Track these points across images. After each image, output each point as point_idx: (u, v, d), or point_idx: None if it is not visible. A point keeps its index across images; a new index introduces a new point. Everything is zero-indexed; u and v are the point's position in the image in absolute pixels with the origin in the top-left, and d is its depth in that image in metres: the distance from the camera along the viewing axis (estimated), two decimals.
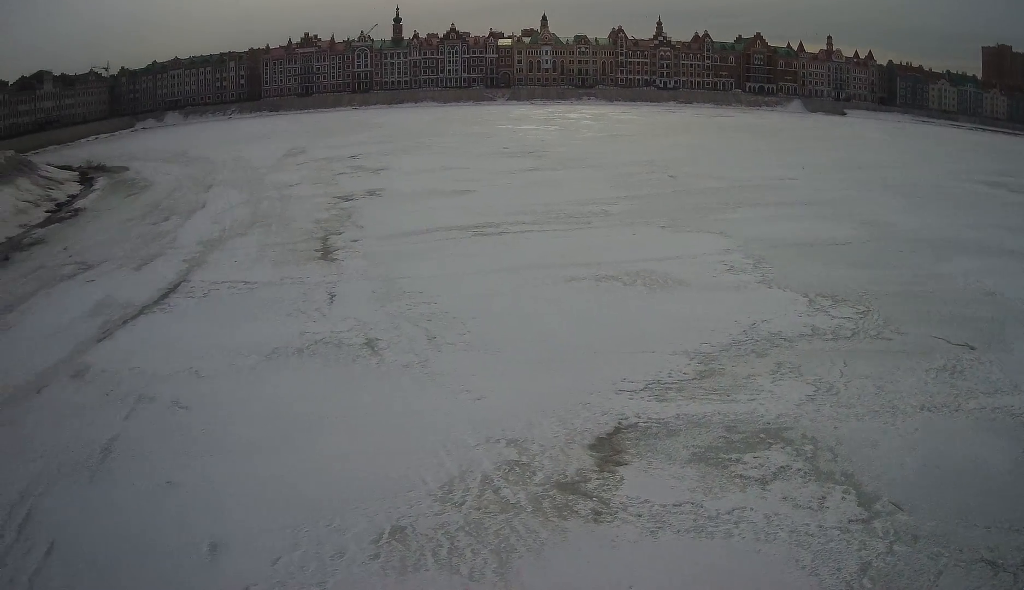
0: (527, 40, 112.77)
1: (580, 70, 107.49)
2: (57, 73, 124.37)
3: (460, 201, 41.91)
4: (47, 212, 58.61)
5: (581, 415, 14.87)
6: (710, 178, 43.00)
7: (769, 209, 33.04)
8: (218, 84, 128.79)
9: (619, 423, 14.19)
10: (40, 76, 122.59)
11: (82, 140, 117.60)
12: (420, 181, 49.56)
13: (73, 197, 64.80)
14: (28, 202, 61.74)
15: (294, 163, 64.00)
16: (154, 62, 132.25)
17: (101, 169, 78.58)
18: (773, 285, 21.49)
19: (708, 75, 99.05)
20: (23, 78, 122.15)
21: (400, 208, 41.35)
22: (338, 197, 45.84)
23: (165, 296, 29.15)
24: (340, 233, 36.55)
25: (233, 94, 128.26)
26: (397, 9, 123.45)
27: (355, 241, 34.52)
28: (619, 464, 12.32)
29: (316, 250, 33.96)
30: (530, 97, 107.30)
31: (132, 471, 14.92)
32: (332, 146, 72.94)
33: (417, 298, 25.34)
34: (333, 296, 26.42)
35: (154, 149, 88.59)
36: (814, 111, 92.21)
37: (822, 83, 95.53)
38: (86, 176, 76.33)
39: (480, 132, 77.83)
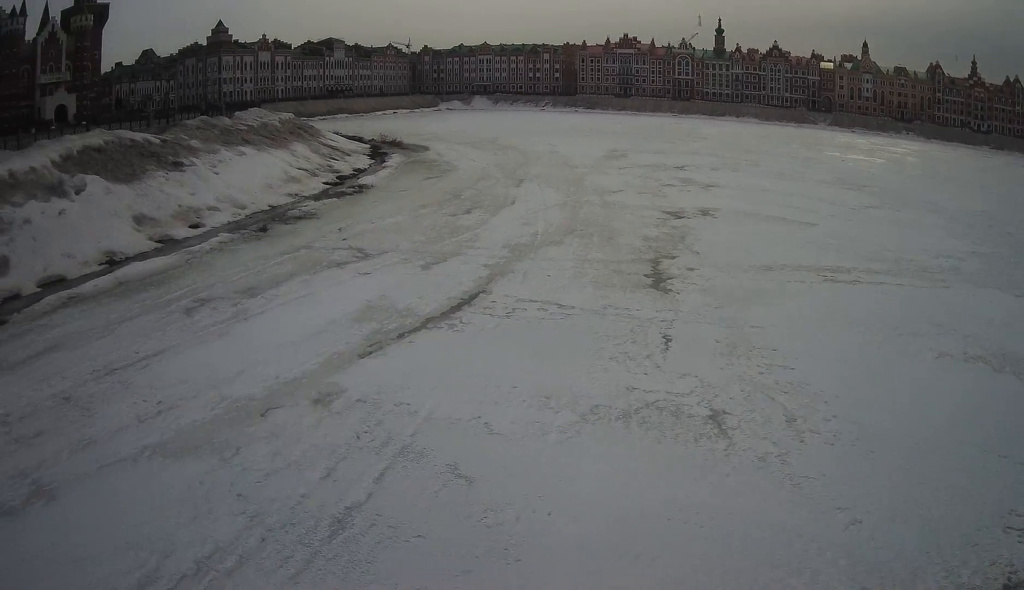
0: (848, 65, 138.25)
1: (899, 103, 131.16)
2: (350, 43, 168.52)
3: (802, 234, 47.82)
4: (325, 184, 73.95)
5: (970, 563, 15.49)
6: None
7: None
8: (532, 74, 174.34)
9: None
10: (330, 43, 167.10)
11: (377, 113, 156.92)
12: (754, 203, 56.81)
13: (359, 171, 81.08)
14: (303, 171, 77.63)
15: (616, 167, 75.19)
16: (461, 45, 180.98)
17: (397, 145, 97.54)
18: None
19: (1020, 122, 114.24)
20: (309, 43, 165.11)
21: (737, 234, 46.45)
22: (668, 213, 52.08)
23: (457, 308, 33.25)
24: (673, 257, 40.44)
25: (547, 86, 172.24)
26: (719, 20, 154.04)
27: (691, 269, 38.01)
28: None
29: (646, 275, 37.33)
30: (851, 125, 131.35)
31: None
32: (655, 152, 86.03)
33: (770, 357, 27.37)
34: (668, 340, 28.34)
35: (460, 132, 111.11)
36: None
37: None
38: (378, 151, 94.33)
39: (808, 156, 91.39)
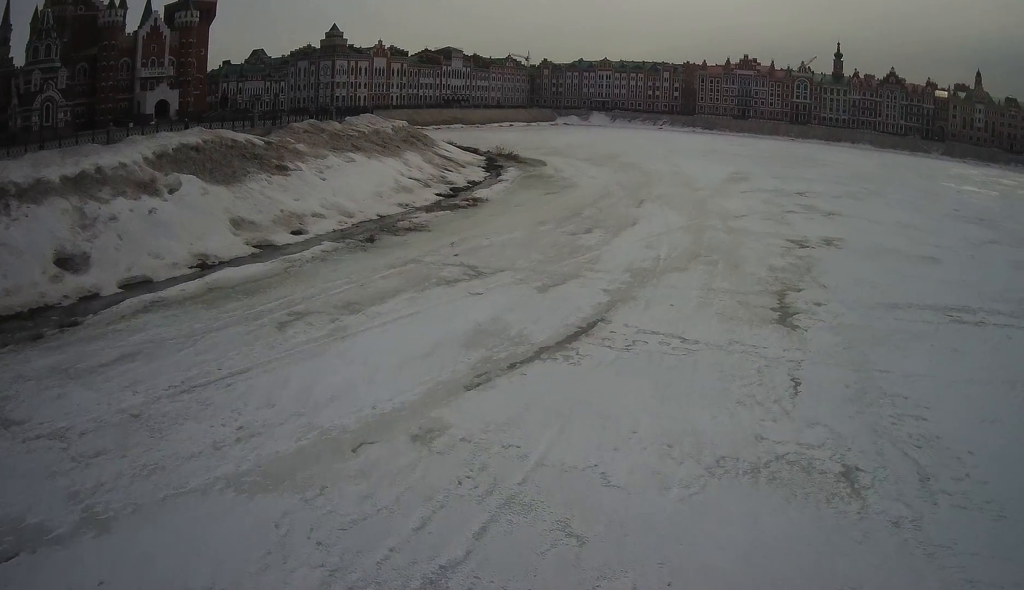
0: (961, 95, 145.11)
1: (1009, 134, 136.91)
2: (468, 53, 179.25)
3: (925, 270, 49.21)
4: (438, 195, 75.07)
5: None
6: None
7: None
8: (651, 92, 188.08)
9: None
10: (448, 52, 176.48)
11: (494, 124, 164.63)
12: (876, 235, 59.12)
13: (474, 184, 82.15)
14: (416, 180, 79.07)
15: (738, 191, 78.62)
16: (580, 60, 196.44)
17: (514, 158, 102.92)
18: None
19: None
20: (426, 51, 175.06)
21: (863, 268, 48.20)
22: (792, 241, 54.36)
23: (574, 337, 33.35)
24: (799, 290, 41.90)
25: (665, 105, 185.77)
26: (838, 45, 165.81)
27: (818, 305, 39.39)
28: None
29: (772, 309, 38.45)
30: (963, 155, 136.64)
31: None
32: (776, 177, 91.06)
33: (902, 406, 27.66)
34: (797, 383, 28.73)
35: (578, 147, 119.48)
36: None
37: None
38: (494, 163, 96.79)
39: (925, 187, 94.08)
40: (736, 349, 32.45)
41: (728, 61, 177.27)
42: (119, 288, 41.13)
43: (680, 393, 27.80)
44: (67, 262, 42.05)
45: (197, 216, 51.03)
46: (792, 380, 29.50)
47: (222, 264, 46.15)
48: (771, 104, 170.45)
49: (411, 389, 28.17)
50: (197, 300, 38.91)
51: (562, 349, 32.15)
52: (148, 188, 51.64)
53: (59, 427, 25.07)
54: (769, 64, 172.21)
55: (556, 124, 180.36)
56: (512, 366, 30.41)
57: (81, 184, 48.42)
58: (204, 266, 45.82)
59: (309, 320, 35.82)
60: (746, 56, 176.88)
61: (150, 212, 48.99)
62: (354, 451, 23.81)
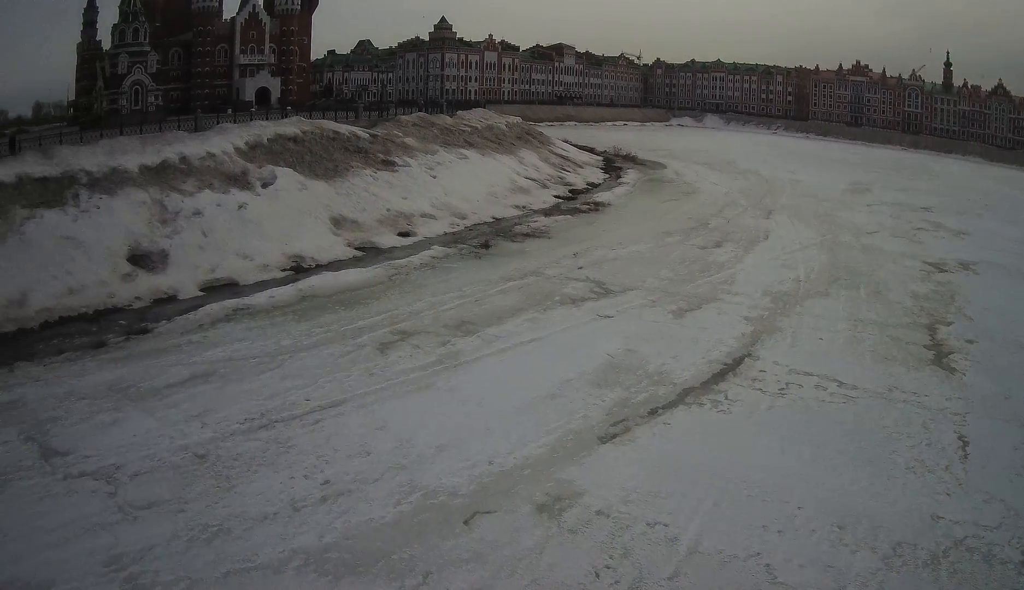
0: None
1: None
2: (580, 50, 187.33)
3: None
4: (556, 197, 72.29)
5: None
6: None
7: None
8: (764, 96, 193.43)
9: None
10: (560, 48, 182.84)
11: (607, 123, 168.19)
12: (1009, 257, 57.19)
13: (593, 186, 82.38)
14: (532, 181, 76.76)
15: (862, 203, 78.72)
16: (693, 60, 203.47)
17: (631, 160, 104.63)
18: None
19: None
20: (538, 47, 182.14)
21: (1005, 297, 45.86)
22: (929, 264, 52.35)
23: (720, 377, 30.94)
24: (948, 323, 39.97)
25: (779, 109, 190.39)
26: (948, 53, 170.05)
27: (970, 342, 37.15)
28: None
29: (926, 346, 36.19)
30: None
31: None
32: (898, 189, 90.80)
33: None
34: (965, 443, 26.71)
35: (695, 150, 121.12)
36: None
37: None
38: (612, 164, 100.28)
39: None
40: (897, 398, 29.73)
41: (840, 66, 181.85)
42: (200, 291, 38.76)
43: (845, 456, 25.11)
44: (142, 260, 39.70)
45: (293, 213, 48.58)
46: (960, 439, 27.08)
47: (319, 267, 43.58)
48: (883, 112, 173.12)
49: (535, 440, 24.50)
50: (287, 310, 36.08)
51: (709, 391, 29.04)
52: (239, 181, 49.41)
53: (108, 464, 21.97)
54: (881, 71, 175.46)
55: (670, 125, 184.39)
56: (653, 412, 27.00)
57: (163, 175, 46.35)
58: (298, 269, 43.26)
59: (416, 342, 32.39)
60: (858, 62, 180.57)
61: (240, 207, 46.58)
62: (466, 524, 20.01)
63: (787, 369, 31.35)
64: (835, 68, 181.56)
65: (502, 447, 23.91)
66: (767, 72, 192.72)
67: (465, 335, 33.43)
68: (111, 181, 43.32)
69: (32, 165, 42.49)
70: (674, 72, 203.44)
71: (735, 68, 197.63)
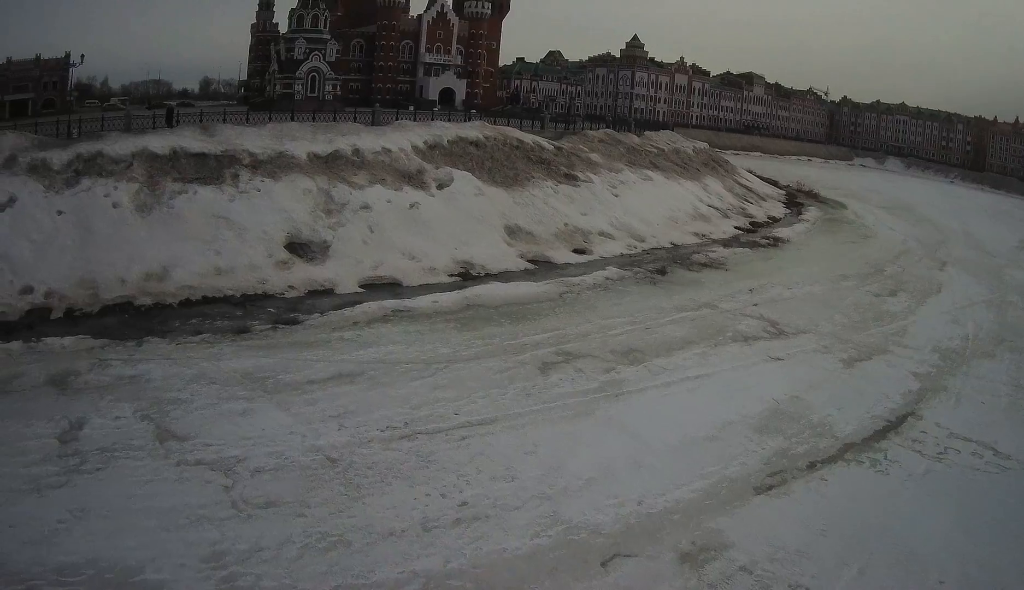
0: None
1: None
2: (770, 81, 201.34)
3: None
4: (737, 228, 72.26)
5: None
6: None
7: None
8: (943, 143, 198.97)
9: None
10: (750, 77, 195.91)
11: (791, 157, 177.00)
12: None
13: (773, 220, 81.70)
14: (714, 209, 75.42)
15: None
16: (878, 101, 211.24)
17: (813, 197, 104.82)
18: None
19: None
20: (728, 74, 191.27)
21: None
22: None
23: (882, 434, 29.44)
24: None
25: (957, 157, 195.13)
26: None
27: None
28: None
29: None
30: None
31: None
32: None
33: None
34: None
35: (875, 192, 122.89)
36: None
37: None
38: (794, 200, 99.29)
39: None
40: None
41: (1017, 119, 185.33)
42: (359, 287, 37.85)
43: (991, 529, 23.54)
44: (301, 248, 39.15)
45: (466, 218, 47.48)
46: None
47: (488, 277, 42.28)
48: None
49: (688, 483, 22.73)
50: (450, 317, 34.77)
51: (869, 449, 27.66)
52: (413, 180, 48.63)
53: (229, 455, 20.85)
54: None
55: (853, 164, 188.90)
56: (812, 466, 25.41)
57: (333, 165, 45.92)
58: (467, 276, 41.99)
59: (579, 365, 30.44)
60: None
61: (411, 206, 45.78)
62: (603, 566, 18.44)
63: (948, 433, 29.97)
64: (1012, 121, 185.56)
65: (653, 487, 22.10)
66: (948, 119, 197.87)
67: (631, 364, 31.49)
68: (276, 165, 43.13)
69: (190, 140, 42.70)
70: (859, 111, 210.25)
71: (918, 113, 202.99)
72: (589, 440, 24.32)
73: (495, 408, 25.49)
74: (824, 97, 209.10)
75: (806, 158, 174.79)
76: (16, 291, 31.77)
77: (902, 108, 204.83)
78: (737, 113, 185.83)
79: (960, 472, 26.98)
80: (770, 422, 27.91)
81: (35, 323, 29.92)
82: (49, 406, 22.97)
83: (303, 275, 37.11)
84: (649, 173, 71.60)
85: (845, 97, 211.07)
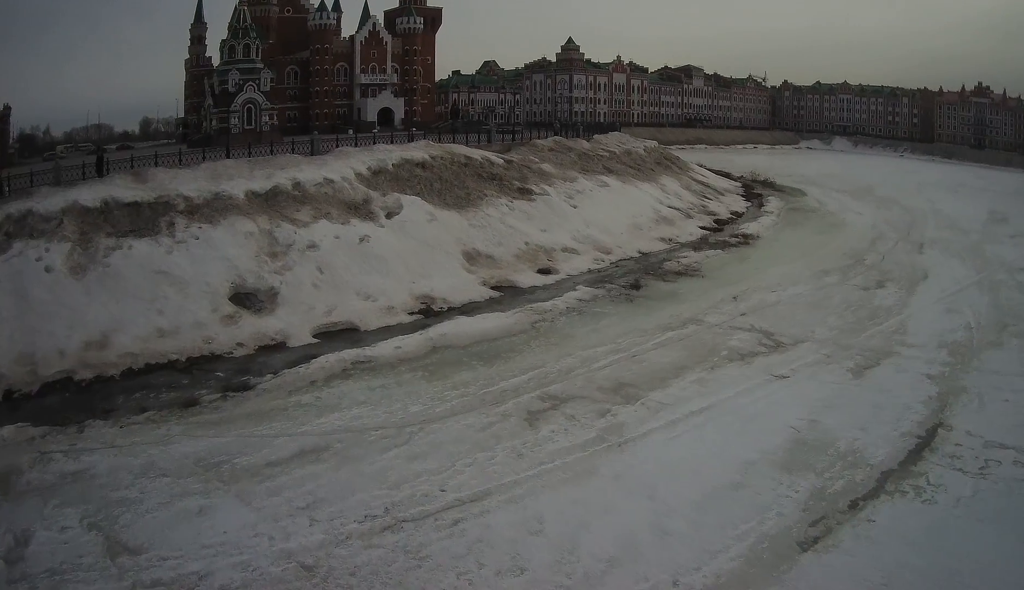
0: None
1: None
2: (708, 72, 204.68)
3: None
4: (702, 228, 70.05)
5: None
6: None
7: None
8: (889, 118, 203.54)
9: None
10: (688, 70, 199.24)
11: (737, 146, 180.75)
12: None
13: (737, 216, 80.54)
14: (676, 210, 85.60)
15: (1004, 234, 75.72)
16: (818, 82, 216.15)
17: (770, 186, 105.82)
18: None
19: None
20: (667, 68, 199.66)
21: None
22: None
23: (916, 455, 27.47)
24: None
25: (904, 131, 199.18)
26: None
27: None
28: None
29: None
30: None
31: None
32: None
33: None
34: None
35: (829, 176, 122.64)
36: None
37: None
38: (752, 191, 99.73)
39: None
40: None
41: (963, 88, 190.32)
42: (313, 337, 34.99)
43: None
44: (247, 299, 36.24)
45: (422, 247, 44.81)
46: None
47: (451, 310, 39.66)
48: (1005, 134, 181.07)
49: (724, 548, 19.90)
50: (416, 364, 31.96)
51: (908, 475, 25.45)
52: (360, 210, 45.81)
53: (189, 572, 17.97)
54: (1002, 93, 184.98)
55: (800, 148, 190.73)
56: (854, 506, 22.86)
57: (273, 202, 43.10)
58: (428, 312, 39.24)
59: (570, 410, 27.65)
60: (979, 83, 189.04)
61: (361, 240, 42.82)
62: None
63: (982, 441, 28.18)
64: (958, 89, 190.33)
65: (686, 559, 19.28)
66: (892, 94, 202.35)
67: (626, 402, 28.73)
68: (213, 208, 40.37)
69: (121, 189, 39.81)
70: (801, 94, 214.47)
71: (861, 90, 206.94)
72: (600, 507, 21.47)
73: (485, 477, 22.58)
74: (763, 83, 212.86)
75: (752, 146, 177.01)
76: None
77: (844, 87, 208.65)
78: (678, 107, 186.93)
79: (1007, 487, 25.13)
80: (795, 456, 25.54)
81: None
82: None
83: (251, 329, 34.28)
84: (604, 179, 69.60)
85: (785, 81, 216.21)
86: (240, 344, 33.13)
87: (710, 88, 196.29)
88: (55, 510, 20.56)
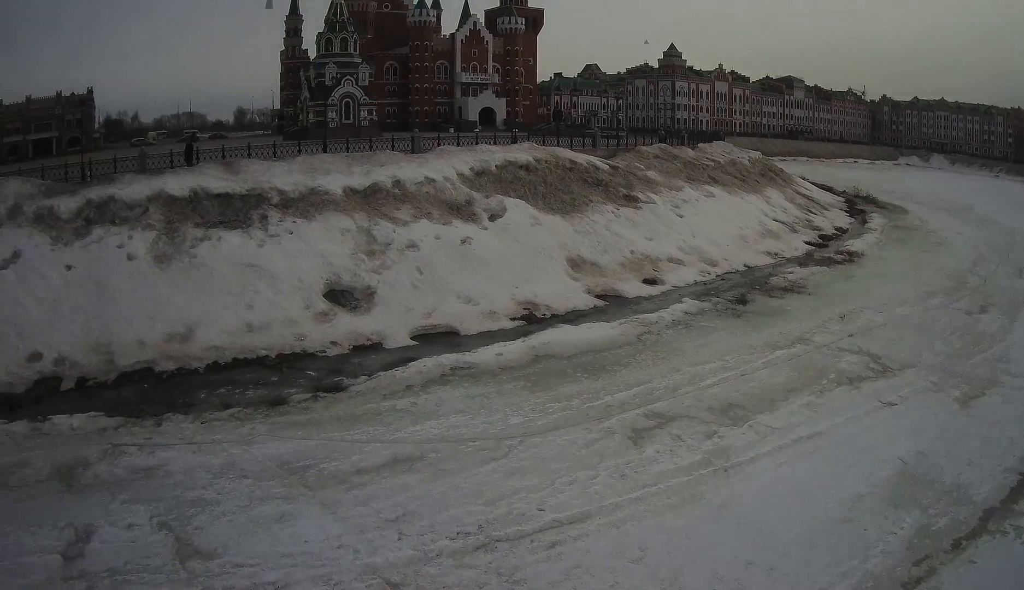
0: None
1: None
2: (809, 84, 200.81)
3: None
4: (807, 243, 67.99)
5: None
6: None
7: None
8: (985, 137, 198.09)
9: None
10: (790, 81, 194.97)
11: (837, 160, 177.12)
12: None
13: (841, 232, 77.63)
14: (781, 224, 72.05)
15: None
16: (916, 98, 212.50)
17: (872, 202, 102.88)
18: None
19: None
20: (768, 78, 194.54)
21: None
22: None
23: (1018, 494, 25.74)
24: None
25: (999, 150, 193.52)
26: None
27: None
28: None
29: None
30: None
31: None
32: None
33: None
34: None
35: (929, 194, 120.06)
36: None
37: None
38: (854, 206, 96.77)
39: None
40: None
41: None
42: (411, 339, 34.14)
43: None
44: (342, 297, 35.63)
45: (525, 251, 43.77)
46: None
47: (555, 318, 38.45)
48: None
49: (829, 586, 18.56)
50: (518, 373, 30.82)
51: (1010, 513, 23.68)
52: (463, 212, 44.97)
53: (265, 582, 17.04)
54: None
55: (899, 164, 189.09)
56: (957, 546, 21.31)
57: (372, 199, 42.48)
58: (530, 319, 38.13)
59: (676, 430, 26.17)
60: None
61: (463, 241, 42.00)
62: None
63: None
64: None
65: None
66: (987, 112, 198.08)
67: (734, 424, 27.22)
68: (308, 203, 39.96)
69: (212, 179, 39.54)
70: (901, 109, 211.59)
71: (958, 107, 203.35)
72: (704, 538, 20.01)
73: (586, 499, 21.25)
74: (862, 97, 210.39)
75: (852, 160, 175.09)
76: (23, 358, 28.72)
77: (941, 104, 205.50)
78: (779, 118, 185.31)
79: None
80: (902, 490, 23.81)
81: (44, 396, 26.95)
82: (54, 508, 19.67)
83: (346, 328, 33.59)
84: (710, 189, 67.68)
85: (884, 96, 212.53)
86: (334, 343, 32.46)
87: (810, 100, 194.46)
88: (123, 506, 19.91)
